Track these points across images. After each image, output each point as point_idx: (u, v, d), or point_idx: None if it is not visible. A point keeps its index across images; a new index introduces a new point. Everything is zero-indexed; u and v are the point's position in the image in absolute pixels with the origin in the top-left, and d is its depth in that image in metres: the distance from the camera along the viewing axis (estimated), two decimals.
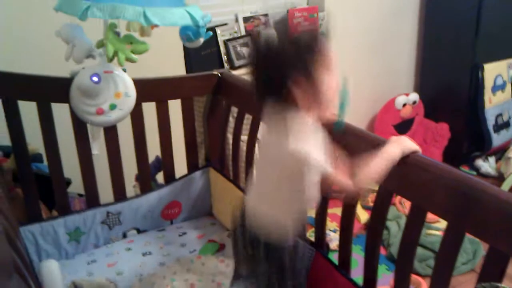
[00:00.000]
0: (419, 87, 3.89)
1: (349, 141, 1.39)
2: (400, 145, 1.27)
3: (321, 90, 1.20)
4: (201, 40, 1.85)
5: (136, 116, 2.03)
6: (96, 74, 1.84)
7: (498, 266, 1.09)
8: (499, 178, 3.32)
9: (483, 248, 2.54)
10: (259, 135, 1.95)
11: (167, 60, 2.58)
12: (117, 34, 1.78)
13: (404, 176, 1.28)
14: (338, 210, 1.57)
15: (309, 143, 1.17)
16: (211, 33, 1.85)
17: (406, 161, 1.26)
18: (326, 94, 1.21)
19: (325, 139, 1.22)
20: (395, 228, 2.76)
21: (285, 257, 1.37)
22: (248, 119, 2.03)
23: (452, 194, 1.17)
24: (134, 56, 1.75)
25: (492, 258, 1.11)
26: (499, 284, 0.82)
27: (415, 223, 1.30)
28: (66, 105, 1.90)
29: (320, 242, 1.71)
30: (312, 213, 1.71)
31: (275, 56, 1.18)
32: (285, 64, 1.17)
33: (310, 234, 1.76)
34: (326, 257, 1.65)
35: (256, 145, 1.97)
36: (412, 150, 1.28)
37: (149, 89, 2.04)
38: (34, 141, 2.00)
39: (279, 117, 1.23)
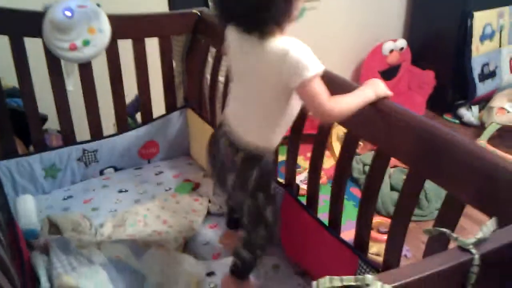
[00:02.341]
0: (408, 33, 3.84)
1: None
2: (373, 88, 1.27)
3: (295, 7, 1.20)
4: None
5: (112, 53, 1.99)
6: (69, 8, 1.79)
7: (454, 212, 1.12)
8: (481, 127, 3.35)
9: None
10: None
11: None
12: None
13: (370, 120, 1.29)
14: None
15: (301, 47, 1.18)
16: None
17: (374, 106, 1.26)
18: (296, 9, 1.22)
19: None
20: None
21: (271, 179, 1.40)
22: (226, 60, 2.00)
23: (415, 140, 1.18)
24: None
25: (449, 204, 1.14)
26: (445, 230, 0.84)
27: (378, 168, 1.32)
28: (40, 40, 1.86)
29: (290, 182, 1.73)
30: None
31: None
32: None
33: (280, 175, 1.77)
34: (295, 197, 1.68)
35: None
36: (384, 94, 1.27)
37: (125, 26, 2.00)
38: (10, 76, 1.97)
39: (252, 39, 1.21)
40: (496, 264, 0.80)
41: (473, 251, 0.76)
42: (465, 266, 0.76)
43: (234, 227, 1.72)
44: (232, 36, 1.32)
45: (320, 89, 1.18)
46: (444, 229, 0.83)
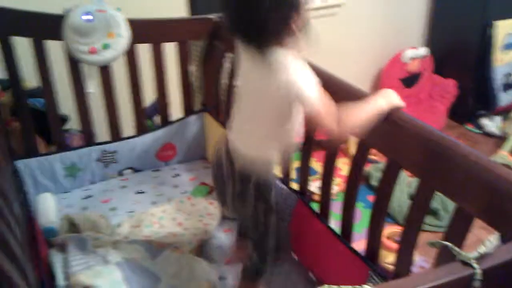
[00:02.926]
0: (430, 42, 3.81)
1: (335, 94, 1.39)
2: (386, 99, 1.27)
3: (306, 24, 1.22)
4: None
5: (131, 57, 2.04)
6: (89, 13, 1.84)
7: (463, 225, 1.11)
8: (503, 138, 3.30)
9: None
10: None
11: (169, 1, 2.55)
12: None
13: (382, 131, 1.29)
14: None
15: (302, 76, 1.18)
16: None
17: (386, 116, 1.26)
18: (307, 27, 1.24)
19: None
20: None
21: (271, 191, 1.42)
22: None
23: (425, 152, 1.18)
24: None
25: (458, 217, 1.13)
26: (447, 243, 0.84)
27: (389, 178, 1.32)
28: (62, 42, 1.91)
29: (303, 189, 1.74)
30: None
31: None
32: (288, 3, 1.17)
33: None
34: (308, 205, 1.69)
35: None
36: (397, 105, 1.28)
37: (144, 30, 2.04)
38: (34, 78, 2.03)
39: (262, 55, 1.22)
40: (498, 279, 0.80)
41: (475, 265, 0.77)
42: (466, 281, 0.76)
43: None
44: (239, 52, 1.34)
45: (324, 117, 1.19)
46: (446, 243, 0.84)
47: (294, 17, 1.18)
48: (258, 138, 1.36)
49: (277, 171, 1.87)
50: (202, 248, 1.80)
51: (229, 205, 1.55)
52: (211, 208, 1.96)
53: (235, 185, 1.41)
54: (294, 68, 1.19)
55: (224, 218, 1.94)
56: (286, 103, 1.25)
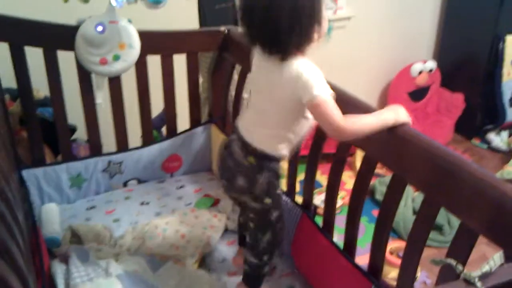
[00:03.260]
0: (438, 55, 3.81)
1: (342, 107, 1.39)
2: (394, 114, 1.28)
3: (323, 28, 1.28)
4: None
5: (141, 68, 2.05)
6: (101, 24, 1.85)
7: (468, 242, 1.10)
8: (509, 153, 3.28)
9: None
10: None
11: (180, 13, 2.57)
12: None
13: (389, 145, 1.29)
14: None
15: (312, 72, 1.24)
16: None
17: (392, 131, 1.26)
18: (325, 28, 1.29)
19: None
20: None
21: (278, 186, 1.44)
22: None
23: (431, 168, 1.17)
24: None
25: (462, 234, 1.12)
26: (449, 261, 0.83)
27: (394, 193, 1.32)
28: (73, 53, 1.92)
29: (307, 203, 1.74)
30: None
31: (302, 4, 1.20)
32: (312, 9, 1.22)
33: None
34: (312, 219, 1.68)
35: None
36: (404, 121, 1.28)
37: (154, 42, 2.05)
38: (43, 86, 2.05)
39: (283, 64, 1.28)
40: None
41: (478, 284, 0.76)
42: None
43: (245, 244, 1.73)
44: (257, 55, 1.39)
45: (331, 108, 1.22)
46: (449, 260, 0.83)
47: (314, 28, 1.24)
48: (268, 135, 1.39)
49: (282, 184, 1.88)
50: (204, 260, 1.80)
51: (234, 198, 1.57)
52: (214, 221, 1.96)
53: (246, 176, 1.41)
54: (306, 68, 1.25)
55: (227, 230, 1.94)
56: (296, 104, 1.29)
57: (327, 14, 1.30)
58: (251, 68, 1.45)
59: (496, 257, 0.81)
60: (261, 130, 1.39)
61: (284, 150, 1.41)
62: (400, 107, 1.31)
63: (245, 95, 2.14)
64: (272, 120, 1.37)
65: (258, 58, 1.39)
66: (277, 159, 1.41)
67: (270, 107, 1.36)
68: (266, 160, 1.39)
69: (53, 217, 1.90)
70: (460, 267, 0.80)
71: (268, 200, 1.43)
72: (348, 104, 1.40)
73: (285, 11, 1.19)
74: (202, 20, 2.84)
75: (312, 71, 1.25)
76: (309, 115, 1.35)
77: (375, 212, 2.66)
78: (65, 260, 1.61)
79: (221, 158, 1.52)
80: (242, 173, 1.41)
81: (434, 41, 3.83)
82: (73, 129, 2.27)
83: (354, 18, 3.25)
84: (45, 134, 2.03)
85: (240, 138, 1.42)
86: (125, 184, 2.23)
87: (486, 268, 0.78)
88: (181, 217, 1.97)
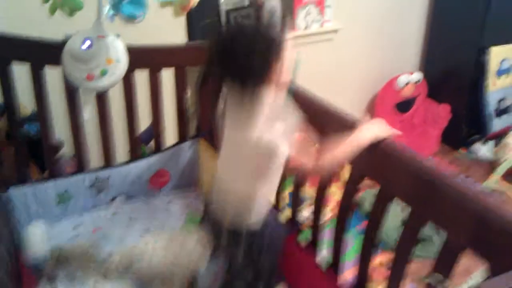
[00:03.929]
0: (424, 67, 3.85)
1: (322, 121, 1.40)
2: (373, 130, 1.29)
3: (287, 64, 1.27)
4: None
5: (128, 82, 2.05)
6: (89, 39, 1.85)
7: (453, 255, 1.11)
8: (495, 163, 3.31)
9: None
10: None
11: (168, 27, 2.57)
12: None
13: (374, 160, 1.30)
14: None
15: (273, 131, 1.22)
16: None
17: (378, 146, 1.27)
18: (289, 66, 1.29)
19: (296, 119, 1.24)
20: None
21: (253, 239, 1.42)
22: None
23: (416, 181, 1.18)
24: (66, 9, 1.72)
25: (448, 247, 1.13)
26: (438, 277, 0.84)
27: (381, 207, 1.33)
28: (59, 69, 1.92)
29: (294, 221, 1.74)
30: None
31: (263, 39, 1.21)
32: (273, 45, 1.22)
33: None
34: (298, 235, 1.68)
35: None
36: (385, 135, 1.29)
37: (142, 57, 2.05)
38: (28, 101, 2.04)
39: (246, 103, 1.27)
40: None
41: None
42: None
43: None
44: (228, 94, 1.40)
45: (299, 154, 1.24)
46: (436, 276, 0.84)
47: (277, 60, 1.23)
48: (237, 187, 1.38)
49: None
50: (192, 283, 1.78)
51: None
52: (202, 242, 1.94)
53: (224, 255, 1.44)
54: (268, 123, 1.24)
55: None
56: (261, 156, 1.28)
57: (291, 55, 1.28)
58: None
59: (480, 271, 0.81)
60: (233, 194, 1.39)
61: (260, 211, 1.40)
62: (379, 122, 1.31)
63: None
64: (243, 180, 1.37)
65: (227, 122, 1.42)
66: (253, 224, 1.40)
67: (240, 168, 1.37)
68: (240, 231, 1.39)
69: (39, 235, 1.88)
70: (446, 283, 0.81)
71: (250, 274, 1.43)
72: (333, 119, 1.41)
73: (243, 51, 1.20)
74: (190, 35, 2.85)
75: (273, 135, 1.23)
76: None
77: (363, 224, 2.68)
78: (52, 279, 1.60)
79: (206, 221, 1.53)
80: (219, 255, 1.47)
81: (420, 53, 3.87)
82: (59, 145, 2.25)
83: (341, 30, 3.27)
84: (31, 150, 2.02)
85: (213, 214, 1.44)
86: (112, 200, 2.21)
87: (470, 282, 0.79)
88: (168, 241, 1.94)
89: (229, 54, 1.23)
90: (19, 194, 1.98)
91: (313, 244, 1.64)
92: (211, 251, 1.53)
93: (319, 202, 1.59)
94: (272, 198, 1.45)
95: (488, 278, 0.81)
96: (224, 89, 1.43)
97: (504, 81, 3.47)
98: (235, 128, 1.36)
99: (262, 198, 1.38)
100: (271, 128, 1.22)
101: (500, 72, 3.44)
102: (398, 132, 1.31)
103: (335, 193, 2.91)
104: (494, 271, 0.85)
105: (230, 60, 1.24)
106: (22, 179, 2.00)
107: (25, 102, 2.11)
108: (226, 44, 1.24)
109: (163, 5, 1.85)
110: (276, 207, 1.83)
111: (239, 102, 1.29)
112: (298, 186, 1.68)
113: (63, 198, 2.08)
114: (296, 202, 1.71)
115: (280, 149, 1.21)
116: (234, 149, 1.38)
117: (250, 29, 1.26)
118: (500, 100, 3.48)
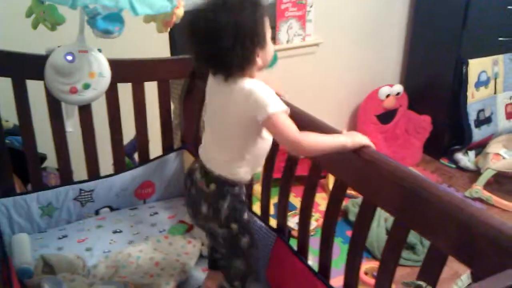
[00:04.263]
0: (405, 79, 3.92)
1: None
2: (350, 137, 1.31)
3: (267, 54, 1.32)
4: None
5: (111, 96, 2.05)
6: (70, 53, 1.85)
7: (437, 263, 1.13)
8: (477, 172, 3.37)
9: None
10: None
11: (152, 41, 2.58)
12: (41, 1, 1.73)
13: (357, 170, 1.32)
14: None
15: (261, 88, 1.27)
16: None
17: (359, 155, 1.29)
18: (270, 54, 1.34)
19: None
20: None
21: (243, 211, 1.45)
22: None
23: (399, 191, 1.20)
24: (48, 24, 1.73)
25: (432, 255, 1.15)
26: (420, 283, 0.86)
27: (365, 217, 1.34)
28: (42, 82, 1.91)
29: (282, 227, 1.75)
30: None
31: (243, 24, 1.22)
32: (253, 31, 1.24)
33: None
34: (286, 243, 1.69)
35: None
36: (362, 144, 1.30)
37: (125, 70, 2.06)
38: (10, 113, 2.02)
39: (228, 83, 1.31)
40: None
41: None
42: None
43: (215, 267, 1.72)
44: (210, 79, 1.43)
45: (286, 123, 1.25)
46: (419, 282, 0.85)
47: (257, 51, 1.27)
48: (226, 161, 1.40)
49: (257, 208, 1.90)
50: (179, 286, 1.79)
51: (201, 225, 1.58)
52: (188, 247, 1.95)
53: (209, 204, 1.42)
54: (257, 87, 1.27)
55: (202, 256, 1.93)
56: (250, 123, 1.30)
57: (271, 45, 1.34)
58: (206, 94, 1.47)
59: (464, 278, 0.83)
60: (219, 155, 1.41)
61: (243, 174, 1.42)
62: (356, 133, 1.33)
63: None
64: (228, 144, 1.39)
65: (210, 82, 1.43)
66: (237, 184, 1.43)
67: (225, 130, 1.39)
68: (227, 186, 1.41)
69: (24, 247, 1.86)
70: None
71: (234, 226, 1.43)
72: (315, 131, 1.43)
73: (226, 30, 1.20)
74: (173, 48, 2.86)
75: (263, 89, 1.27)
76: (265, 135, 1.37)
77: (349, 233, 2.70)
78: None
79: (185, 187, 1.52)
80: (205, 201, 1.43)
81: (400, 66, 3.94)
82: (43, 158, 2.24)
83: (322, 44, 3.32)
84: (14, 163, 2.00)
85: (202, 166, 1.44)
86: (97, 212, 2.20)
87: (460, 283, 0.80)
88: (155, 244, 1.95)
89: (212, 43, 1.24)
90: (2, 207, 1.96)
91: (301, 252, 1.64)
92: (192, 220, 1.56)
93: (305, 212, 1.60)
94: (261, 157, 1.46)
95: (470, 284, 0.83)
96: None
97: (482, 92, 3.55)
98: (220, 102, 1.38)
99: (251, 154, 1.40)
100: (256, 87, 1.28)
101: (478, 84, 3.51)
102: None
103: (320, 203, 2.95)
104: (476, 276, 0.87)
105: (212, 48, 1.25)
106: (6, 192, 1.98)
107: (8, 115, 2.09)
108: (208, 18, 1.23)
109: (147, 20, 1.86)
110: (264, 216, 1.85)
111: (221, 82, 1.32)
112: (287, 194, 1.69)
113: (47, 211, 2.06)
114: (284, 208, 1.73)
115: (265, 100, 1.24)
116: (219, 107, 1.39)
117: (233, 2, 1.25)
118: (480, 111, 3.55)
